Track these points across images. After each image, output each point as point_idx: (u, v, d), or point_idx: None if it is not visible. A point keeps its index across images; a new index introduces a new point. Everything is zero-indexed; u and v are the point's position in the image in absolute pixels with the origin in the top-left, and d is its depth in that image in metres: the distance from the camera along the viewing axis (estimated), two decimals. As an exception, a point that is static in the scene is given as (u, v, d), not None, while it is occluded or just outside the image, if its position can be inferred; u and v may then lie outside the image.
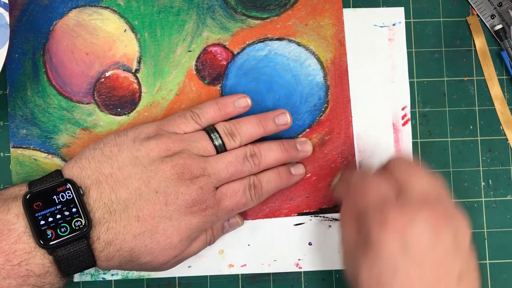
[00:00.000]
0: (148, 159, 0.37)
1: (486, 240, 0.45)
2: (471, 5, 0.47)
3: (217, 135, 0.40)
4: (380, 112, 0.45)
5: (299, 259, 0.44)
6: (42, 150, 0.44)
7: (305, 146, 0.43)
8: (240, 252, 0.44)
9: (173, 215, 0.37)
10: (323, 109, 0.45)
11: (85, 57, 0.44)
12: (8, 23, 0.39)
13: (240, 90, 0.45)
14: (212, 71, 0.45)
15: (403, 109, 0.46)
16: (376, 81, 0.46)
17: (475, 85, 0.46)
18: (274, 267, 0.44)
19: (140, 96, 0.44)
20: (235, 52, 0.45)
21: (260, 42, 0.45)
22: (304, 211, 0.44)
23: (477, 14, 0.46)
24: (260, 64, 0.45)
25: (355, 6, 0.46)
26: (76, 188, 0.36)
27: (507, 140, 0.46)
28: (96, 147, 0.38)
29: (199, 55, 0.45)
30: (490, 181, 0.45)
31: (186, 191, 0.37)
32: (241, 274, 0.44)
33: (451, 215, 0.34)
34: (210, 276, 0.44)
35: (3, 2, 0.38)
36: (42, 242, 0.35)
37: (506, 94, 0.46)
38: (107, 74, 0.44)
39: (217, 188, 0.39)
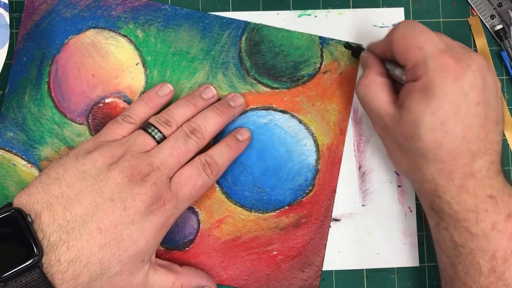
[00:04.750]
0: (95, 170, 0.37)
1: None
2: (471, 6, 0.47)
3: (153, 128, 0.40)
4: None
5: (299, 258, 0.44)
6: (23, 157, 0.44)
7: (237, 100, 0.44)
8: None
9: (135, 218, 0.36)
10: (307, 191, 0.45)
11: (90, 78, 0.44)
12: (8, 23, 0.39)
13: (232, 150, 0.45)
14: (209, 126, 0.45)
15: None
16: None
17: None
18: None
19: (132, 131, 0.44)
20: (237, 113, 0.45)
21: (264, 109, 0.45)
22: None
23: (477, 15, 0.46)
24: (257, 131, 0.45)
25: (355, 6, 0.46)
26: (24, 217, 0.35)
27: (507, 141, 0.46)
28: (41, 173, 0.38)
29: (201, 106, 0.45)
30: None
31: (141, 190, 0.37)
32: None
33: (488, 64, 0.38)
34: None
35: (3, 2, 0.39)
36: None
37: (506, 94, 0.46)
38: (106, 101, 0.44)
39: (171, 179, 0.39)
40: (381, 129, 0.40)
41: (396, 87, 0.40)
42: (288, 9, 0.46)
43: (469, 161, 0.36)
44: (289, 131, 0.45)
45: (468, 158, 0.36)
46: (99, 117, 0.44)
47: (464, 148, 0.36)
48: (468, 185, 0.36)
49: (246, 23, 0.45)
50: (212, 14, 0.45)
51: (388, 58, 0.40)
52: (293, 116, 0.45)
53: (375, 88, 0.39)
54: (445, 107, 0.35)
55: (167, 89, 0.43)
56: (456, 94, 0.35)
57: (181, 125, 0.41)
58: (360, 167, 0.45)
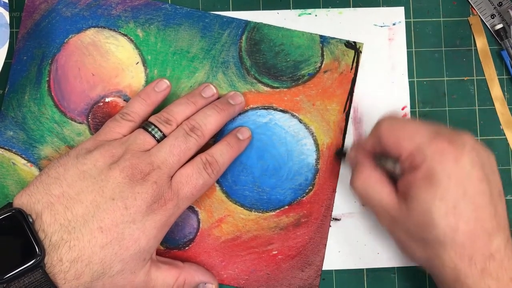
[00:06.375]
0: (95, 170, 0.37)
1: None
2: (471, 5, 0.47)
3: (153, 126, 0.40)
4: (380, 112, 0.44)
5: (300, 258, 0.44)
6: (23, 156, 0.44)
7: (237, 98, 0.44)
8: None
9: (136, 217, 0.36)
10: (307, 190, 0.45)
11: (90, 77, 0.44)
12: (8, 22, 0.39)
13: (232, 149, 0.44)
14: (209, 125, 0.44)
15: (403, 109, 0.45)
16: (376, 81, 0.45)
17: (475, 85, 0.46)
18: (276, 267, 0.44)
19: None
20: (237, 113, 0.45)
21: (264, 109, 0.45)
22: None
23: (477, 14, 0.46)
24: (258, 130, 0.45)
25: (355, 5, 0.46)
26: (25, 217, 0.35)
27: (507, 140, 0.46)
28: (41, 173, 0.38)
29: (201, 106, 0.45)
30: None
31: (142, 189, 0.37)
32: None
33: (479, 141, 0.38)
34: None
35: (3, 1, 0.39)
36: None
37: (506, 94, 0.46)
38: (106, 100, 0.44)
39: (172, 178, 0.39)
40: (389, 222, 0.38)
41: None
42: (288, 8, 0.46)
43: (487, 242, 0.35)
44: (289, 130, 0.45)
45: (485, 239, 0.35)
46: (99, 116, 0.44)
47: (479, 228, 0.35)
48: (490, 269, 0.35)
49: (246, 22, 0.45)
50: (212, 13, 0.45)
51: (378, 153, 0.40)
52: (293, 115, 0.45)
53: (374, 181, 0.38)
54: (452, 190, 0.35)
55: (164, 85, 0.43)
56: (459, 176, 0.35)
57: (181, 123, 0.41)
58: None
